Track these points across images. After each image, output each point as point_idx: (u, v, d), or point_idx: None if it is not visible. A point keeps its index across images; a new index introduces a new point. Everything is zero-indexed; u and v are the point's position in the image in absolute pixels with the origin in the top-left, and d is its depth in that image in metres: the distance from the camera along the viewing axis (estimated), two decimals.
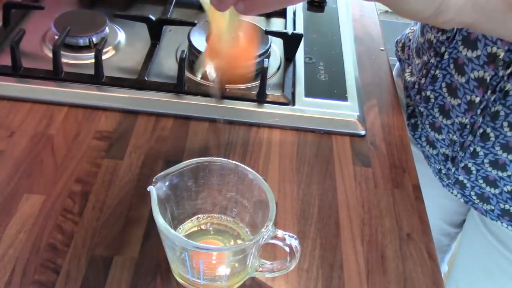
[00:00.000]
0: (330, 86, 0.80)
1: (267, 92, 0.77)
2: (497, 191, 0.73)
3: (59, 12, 0.85)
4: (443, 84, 0.73)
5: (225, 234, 0.57)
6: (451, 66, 0.71)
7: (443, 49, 0.71)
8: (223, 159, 0.57)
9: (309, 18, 0.96)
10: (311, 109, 0.75)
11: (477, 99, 0.68)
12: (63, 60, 0.77)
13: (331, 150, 0.72)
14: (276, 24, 0.96)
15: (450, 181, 0.79)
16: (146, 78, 0.77)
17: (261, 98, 0.76)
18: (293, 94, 0.78)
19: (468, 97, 0.69)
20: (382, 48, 0.93)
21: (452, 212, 0.94)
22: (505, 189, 0.72)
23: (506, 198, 0.73)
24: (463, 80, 0.69)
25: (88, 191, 0.62)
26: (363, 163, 0.70)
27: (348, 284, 0.56)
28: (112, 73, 0.78)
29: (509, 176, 0.71)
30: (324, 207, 0.64)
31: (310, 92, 0.78)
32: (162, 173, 0.53)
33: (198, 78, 0.79)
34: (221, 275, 0.52)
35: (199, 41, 0.81)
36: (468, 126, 0.71)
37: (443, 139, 0.76)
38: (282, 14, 0.97)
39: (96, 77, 0.76)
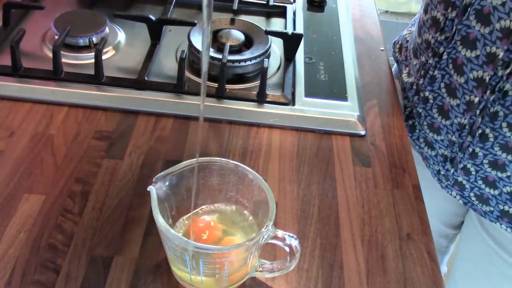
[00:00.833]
0: (330, 86, 0.80)
1: (267, 92, 0.77)
2: (496, 192, 0.73)
3: (59, 12, 0.85)
4: (442, 85, 0.73)
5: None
6: (450, 66, 0.71)
7: (441, 49, 0.71)
8: (223, 159, 0.57)
9: (309, 18, 0.96)
10: (311, 109, 0.75)
11: (476, 100, 0.68)
12: (63, 60, 0.77)
13: (331, 150, 0.72)
14: (276, 24, 0.96)
15: (449, 182, 0.79)
16: (146, 78, 0.77)
17: (261, 98, 0.76)
18: (293, 94, 0.78)
19: (467, 98, 0.69)
20: (382, 48, 0.93)
21: (450, 214, 0.94)
22: (504, 190, 0.72)
23: (505, 199, 0.73)
24: (462, 80, 0.69)
25: (88, 191, 0.62)
26: (363, 163, 0.70)
27: (348, 284, 0.56)
28: (112, 73, 0.78)
29: (508, 177, 0.71)
30: (324, 207, 0.64)
31: (310, 92, 0.78)
32: (162, 173, 0.53)
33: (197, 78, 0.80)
34: (221, 275, 0.52)
35: (199, 41, 0.81)
36: (467, 127, 0.71)
37: (442, 140, 0.76)
38: (282, 14, 0.98)
39: (96, 77, 0.76)
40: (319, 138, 0.74)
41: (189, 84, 0.77)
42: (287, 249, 0.52)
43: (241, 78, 0.80)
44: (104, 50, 0.81)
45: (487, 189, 0.74)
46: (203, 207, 0.58)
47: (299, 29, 0.92)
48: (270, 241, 0.51)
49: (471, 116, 0.70)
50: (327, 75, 0.82)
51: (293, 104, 0.76)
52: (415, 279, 0.58)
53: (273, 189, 0.62)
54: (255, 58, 0.80)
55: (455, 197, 0.80)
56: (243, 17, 0.92)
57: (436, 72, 0.73)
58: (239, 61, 0.79)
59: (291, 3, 0.99)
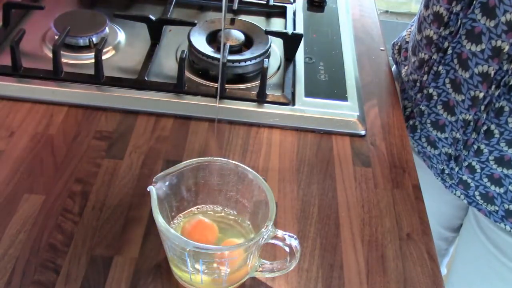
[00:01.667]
0: (330, 86, 0.80)
1: (267, 92, 0.77)
2: (502, 190, 0.73)
3: (59, 12, 0.85)
4: (447, 80, 0.72)
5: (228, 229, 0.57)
6: (455, 61, 0.70)
7: (446, 44, 0.71)
8: (223, 159, 0.57)
9: (309, 18, 0.96)
10: (311, 109, 0.75)
11: (481, 95, 0.68)
12: (63, 60, 0.77)
13: (331, 150, 0.72)
14: (276, 24, 0.96)
15: (454, 182, 0.78)
16: (146, 78, 0.77)
17: (261, 98, 0.76)
18: (293, 94, 0.78)
19: (472, 93, 0.69)
20: (382, 48, 0.93)
21: (449, 217, 0.94)
22: (510, 187, 0.72)
23: (511, 198, 0.72)
24: (466, 75, 0.68)
25: (88, 191, 0.62)
26: (363, 163, 0.70)
27: (348, 284, 0.56)
28: (112, 73, 0.78)
29: None
30: (324, 207, 0.64)
31: (310, 92, 0.78)
32: (162, 173, 0.53)
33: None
34: (221, 275, 0.52)
35: (199, 41, 0.81)
36: (471, 123, 0.70)
37: (446, 138, 0.76)
38: (282, 14, 0.98)
39: (96, 77, 0.76)
40: (319, 138, 0.74)
41: (189, 84, 0.77)
42: (287, 249, 0.52)
43: (241, 78, 0.80)
44: (104, 50, 0.81)
45: (492, 187, 0.74)
46: (201, 206, 0.58)
47: (299, 29, 0.92)
48: (270, 241, 0.51)
49: (476, 112, 0.69)
50: (327, 75, 0.82)
51: (293, 104, 0.76)
52: (415, 279, 0.58)
53: (273, 189, 0.62)
54: (255, 58, 0.80)
55: (459, 196, 0.79)
56: (243, 17, 0.92)
57: (440, 67, 0.72)
58: (239, 61, 0.79)
59: (291, 3, 0.99)
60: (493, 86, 0.66)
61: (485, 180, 0.74)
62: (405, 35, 0.88)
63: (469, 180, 0.76)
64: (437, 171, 0.81)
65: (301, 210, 0.63)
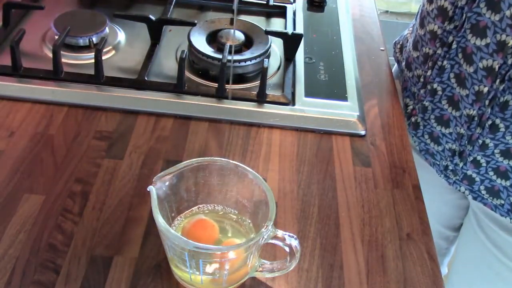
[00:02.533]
0: (330, 86, 0.80)
1: (267, 92, 0.77)
2: (508, 183, 0.72)
3: (59, 12, 0.85)
4: (451, 75, 0.72)
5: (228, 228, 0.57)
6: (459, 56, 0.70)
7: (450, 38, 0.70)
8: (223, 159, 0.57)
9: (309, 18, 0.96)
10: (311, 109, 0.75)
11: (485, 89, 0.67)
12: (63, 60, 0.77)
13: (331, 150, 0.72)
14: (276, 24, 0.96)
15: (458, 177, 0.78)
16: (146, 78, 0.77)
17: (261, 98, 0.76)
18: (293, 94, 0.78)
19: (476, 88, 0.68)
20: (382, 48, 0.93)
21: (450, 216, 0.93)
22: None
23: None
24: (471, 70, 0.68)
25: (88, 191, 0.62)
26: (363, 163, 0.70)
27: (348, 284, 0.56)
28: (112, 73, 0.78)
29: None
30: (324, 207, 0.64)
31: (310, 92, 0.78)
32: (162, 173, 0.53)
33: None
34: (221, 275, 0.52)
35: (199, 41, 0.82)
36: (476, 118, 0.70)
37: (450, 133, 0.75)
38: (282, 14, 0.98)
39: (96, 77, 0.76)
40: (319, 138, 0.74)
41: (189, 84, 0.77)
42: (287, 249, 0.52)
43: (241, 78, 0.80)
44: (104, 50, 0.81)
45: (498, 180, 0.73)
46: (201, 206, 0.58)
47: (299, 29, 0.92)
48: (270, 241, 0.51)
49: (480, 107, 0.69)
50: (327, 75, 0.82)
51: (293, 104, 0.76)
52: (415, 279, 0.58)
53: (273, 189, 0.62)
54: (255, 58, 0.80)
55: (463, 192, 0.79)
56: (243, 17, 0.92)
57: (445, 62, 0.72)
58: (239, 61, 0.79)
59: (291, 3, 0.99)
60: (498, 80, 0.66)
61: (491, 173, 0.73)
62: (407, 34, 0.88)
63: (474, 175, 0.75)
64: (440, 167, 0.80)
65: (301, 210, 0.63)
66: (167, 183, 0.53)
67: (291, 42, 0.84)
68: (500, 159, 0.71)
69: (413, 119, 0.81)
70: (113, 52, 0.84)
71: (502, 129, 0.68)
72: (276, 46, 0.87)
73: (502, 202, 0.74)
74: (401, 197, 0.67)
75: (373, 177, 0.69)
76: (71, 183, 0.63)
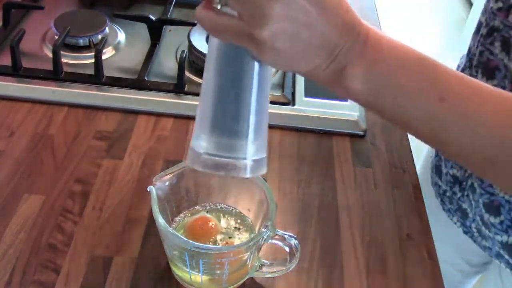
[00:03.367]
0: None
1: None
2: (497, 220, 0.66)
3: (59, 12, 0.85)
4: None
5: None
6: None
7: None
8: None
9: None
10: (311, 109, 0.75)
11: None
12: (63, 60, 0.77)
13: (331, 150, 0.72)
14: None
15: (452, 206, 0.74)
16: (146, 78, 0.77)
17: None
18: (293, 94, 0.78)
19: None
20: None
21: (470, 251, 0.82)
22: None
23: (506, 227, 0.66)
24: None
25: (88, 191, 0.62)
26: (363, 163, 0.70)
27: (348, 284, 0.56)
28: (112, 73, 0.78)
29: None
30: (324, 207, 0.64)
31: (310, 92, 0.78)
32: (162, 173, 0.53)
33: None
34: (221, 275, 0.52)
35: (199, 41, 0.81)
36: None
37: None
38: None
39: (96, 77, 0.76)
40: (319, 138, 0.74)
41: (189, 84, 0.77)
42: (287, 249, 0.52)
43: None
44: (104, 50, 0.81)
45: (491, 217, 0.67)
46: (201, 205, 0.58)
47: None
48: (270, 241, 0.51)
49: None
50: None
51: (293, 104, 0.76)
52: (415, 279, 0.58)
53: (273, 189, 0.61)
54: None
55: (455, 223, 0.74)
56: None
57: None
58: None
59: None
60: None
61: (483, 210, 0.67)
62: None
63: (468, 210, 0.70)
64: (440, 190, 0.76)
65: (301, 210, 0.63)
66: (167, 183, 0.53)
67: None
68: (501, 194, 0.65)
69: None
70: (113, 52, 0.84)
71: None
72: None
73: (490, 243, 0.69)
74: (401, 197, 0.67)
75: (373, 177, 0.69)
76: (71, 183, 0.63)
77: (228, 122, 0.44)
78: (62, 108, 0.73)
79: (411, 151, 0.73)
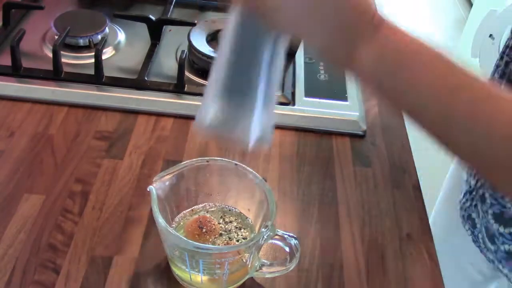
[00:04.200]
0: (330, 86, 0.80)
1: None
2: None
3: (59, 12, 0.85)
4: None
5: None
6: None
7: None
8: (223, 159, 0.57)
9: None
10: (311, 109, 0.75)
11: None
12: (63, 60, 0.77)
13: (331, 150, 0.72)
14: None
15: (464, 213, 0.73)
16: (146, 78, 0.77)
17: None
18: (293, 94, 0.78)
19: None
20: None
21: (482, 259, 0.79)
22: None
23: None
24: None
25: (88, 191, 0.62)
26: (363, 163, 0.70)
27: (348, 284, 0.56)
28: (112, 73, 0.78)
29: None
30: (324, 207, 0.64)
31: (310, 92, 0.78)
32: (162, 173, 0.53)
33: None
34: (221, 275, 0.52)
35: (199, 41, 0.81)
36: None
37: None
38: None
39: (96, 77, 0.76)
40: (319, 138, 0.74)
41: (189, 84, 0.77)
42: (287, 249, 0.52)
43: None
44: (104, 50, 0.81)
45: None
46: (201, 205, 0.58)
47: None
48: (270, 241, 0.51)
49: None
50: (327, 75, 0.82)
51: (293, 104, 0.76)
52: (415, 279, 0.58)
53: (273, 189, 0.61)
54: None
55: (467, 231, 0.74)
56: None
57: None
58: None
59: None
60: None
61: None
62: None
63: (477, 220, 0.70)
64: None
65: (301, 210, 0.63)
66: (167, 183, 0.53)
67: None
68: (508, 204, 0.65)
69: None
70: (113, 52, 0.84)
71: None
72: None
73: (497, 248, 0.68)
74: (401, 197, 0.67)
75: (373, 177, 0.69)
76: (71, 183, 0.63)
77: (239, 87, 0.44)
78: (62, 108, 0.73)
79: (411, 151, 0.73)
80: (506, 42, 0.65)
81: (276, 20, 0.42)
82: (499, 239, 0.66)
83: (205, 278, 0.52)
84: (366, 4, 0.41)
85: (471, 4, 2.79)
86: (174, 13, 0.94)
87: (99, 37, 0.83)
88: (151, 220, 0.59)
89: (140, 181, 0.64)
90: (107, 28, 0.85)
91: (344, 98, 0.78)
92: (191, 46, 0.81)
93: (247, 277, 0.55)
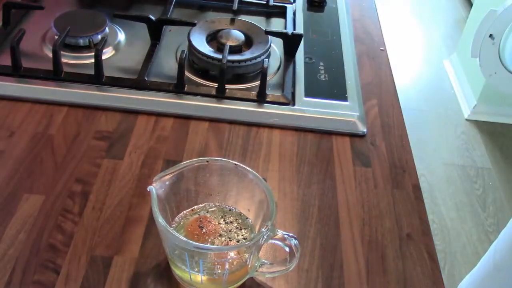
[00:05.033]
0: (330, 86, 0.80)
1: (267, 92, 0.77)
2: None
3: (59, 12, 0.85)
4: None
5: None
6: None
7: None
8: (223, 159, 0.57)
9: (309, 18, 0.96)
10: (311, 109, 0.75)
11: None
12: (63, 60, 0.77)
13: (331, 150, 0.72)
14: (276, 24, 0.96)
15: None
16: (146, 78, 0.77)
17: (261, 98, 0.76)
18: (293, 94, 0.78)
19: None
20: (382, 48, 0.93)
21: None
22: None
23: None
24: None
25: (88, 191, 0.62)
26: (363, 163, 0.70)
27: (348, 284, 0.56)
28: (112, 73, 0.78)
29: None
30: (324, 207, 0.64)
31: (310, 92, 0.78)
32: (162, 173, 0.53)
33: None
34: (221, 275, 0.52)
35: (199, 41, 0.81)
36: None
37: None
38: (282, 14, 0.97)
39: (96, 77, 0.76)
40: (319, 138, 0.74)
41: (189, 84, 0.77)
42: (287, 249, 0.52)
43: (241, 78, 0.80)
44: (104, 50, 0.81)
45: None
46: (201, 205, 0.58)
47: (299, 29, 0.92)
48: (270, 241, 0.51)
49: None
50: (327, 75, 0.82)
51: (293, 104, 0.76)
52: (415, 279, 0.58)
53: (273, 189, 0.62)
54: (255, 58, 0.80)
55: None
56: (243, 17, 0.92)
57: None
58: (239, 61, 0.79)
59: (291, 3, 0.99)
60: None
61: None
62: None
63: None
64: None
65: (301, 210, 0.63)
66: (167, 183, 0.53)
67: (291, 42, 0.84)
68: None
69: None
70: (113, 52, 0.84)
71: None
72: (276, 46, 0.87)
73: None
74: (401, 197, 0.67)
75: (373, 177, 0.69)
76: (71, 183, 0.63)
77: None
78: (62, 108, 0.73)
79: (411, 151, 0.73)
80: None
81: None
82: None
83: (205, 278, 0.52)
84: None
85: (471, 4, 2.79)
86: (174, 13, 0.94)
87: (99, 37, 0.83)
88: (151, 220, 0.59)
89: (140, 181, 0.64)
90: (107, 28, 0.85)
91: (344, 98, 0.78)
92: (191, 46, 0.81)
93: (247, 277, 0.55)
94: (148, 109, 0.74)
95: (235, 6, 0.93)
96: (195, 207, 0.58)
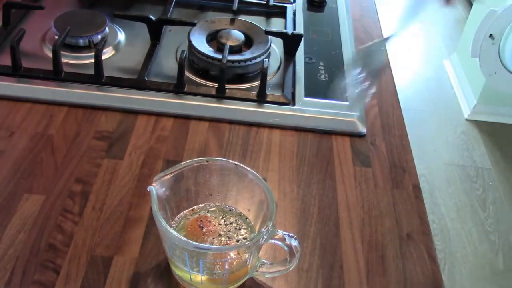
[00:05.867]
0: (330, 86, 0.80)
1: (267, 92, 0.77)
2: None
3: (59, 12, 0.85)
4: None
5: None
6: None
7: None
8: (223, 159, 0.57)
9: (309, 18, 0.96)
10: (311, 109, 0.75)
11: None
12: (63, 60, 0.77)
13: (331, 150, 0.72)
14: (276, 24, 0.96)
15: None
16: (146, 78, 0.77)
17: (261, 98, 0.76)
18: (293, 94, 0.78)
19: None
20: (382, 48, 0.93)
21: None
22: None
23: None
24: None
25: (88, 191, 0.62)
26: (363, 163, 0.70)
27: (348, 284, 0.56)
28: (112, 73, 0.78)
29: None
30: (324, 207, 0.64)
31: (310, 92, 0.78)
32: (162, 173, 0.53)
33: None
34: (221, 275, 0.52)
35: (199, 41, 0.81)
36: None
37: None
38: (282, 14, 0.97)
39: (96, 77, 0.76)
40: (319, 138, 0.74)
41: (189, 84, 0.77)
42: (287, 249, 0.52)
43: (241, 78, 0.80)
44: (104, 50, 0.81)
45: None
46: (201, 205, 0.58)
47: (299, 29, 0.92)
48: (270, 241, 0.51)
49: None
50: (327, 75, 0.82)
51: (293, 104, 0.76)
52: (415, 279, 0.58)
53: (273, 189, 0.62)
54: (255, 58, 0.80)
55: None
56: (243, 17, 0.92)
57: None
58: (239, 61, 0.79)
59: (291, 3, 0.99)
60: None
61: None
62: None
63: None
64: None
65: (301, 210, 0.63)
66: (167, 183, 0.53)
67: (291, 42, 0.84)
68: None
69: None
70: (113, 52, 0.84)
71: None
72: (276, 46, 0.87)
73: None
74: (401, 197, 0.67)
75: (373, 177, 0.69)
76: (71, 183, 0.63)
77: None
78: (62, 108, 0.73)
79: (411, 151, 0.73)
80: None
81: None
82: None
83: (205, 278, 0.52)
84: None
85: (471, 4, 2.79)
86: (174, 13, 0.94)
87: (99, 37, 0.83)
88: (151, 220, 0.59)
89: (140, 181, 0.64)
90: (107, 28, 0.85)
91: (344, 98, 0.78)
92: (191, 46, 0.81)
93: (247, 277, 0.55)
94: (148, 109, 0.74)
95: (235, 6, 0.93)
96: (195, 207, 0.58)
